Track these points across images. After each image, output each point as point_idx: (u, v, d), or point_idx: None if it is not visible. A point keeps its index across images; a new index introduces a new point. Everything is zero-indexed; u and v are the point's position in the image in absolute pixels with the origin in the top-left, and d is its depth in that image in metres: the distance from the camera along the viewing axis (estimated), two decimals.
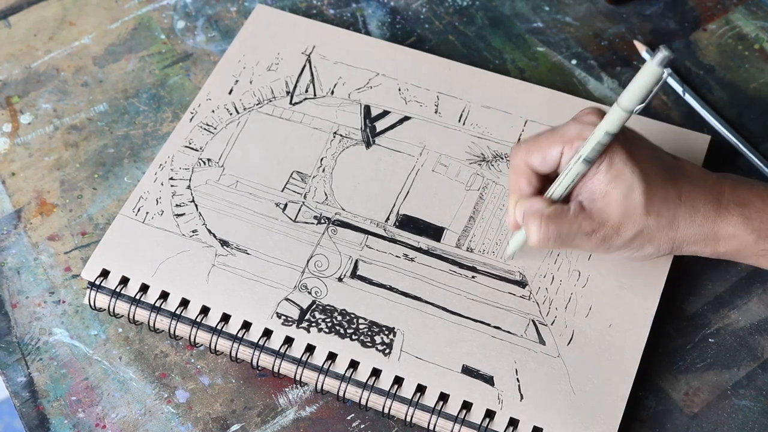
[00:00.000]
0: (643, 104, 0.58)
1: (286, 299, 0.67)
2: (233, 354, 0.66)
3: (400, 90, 0.77)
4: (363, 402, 0.65)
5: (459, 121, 0.75)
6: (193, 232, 0.70)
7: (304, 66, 0.78)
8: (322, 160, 0.74)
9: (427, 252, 0.70)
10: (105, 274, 0.68)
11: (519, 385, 0.64)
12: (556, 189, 0.63)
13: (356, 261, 0.69)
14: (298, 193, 0.72)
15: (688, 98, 0.79)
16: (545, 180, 0.65)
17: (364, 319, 0.66)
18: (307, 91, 0.77)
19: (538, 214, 0.62)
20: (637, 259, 0.66)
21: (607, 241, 0.63)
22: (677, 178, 0.63)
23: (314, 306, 0.67)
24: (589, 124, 0.62)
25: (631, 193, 0.61)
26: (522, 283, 0.68)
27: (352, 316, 0.67)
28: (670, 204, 0.62)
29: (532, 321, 0.67)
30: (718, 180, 0.65)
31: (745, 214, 0.63)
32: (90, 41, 0.83)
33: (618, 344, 0.66)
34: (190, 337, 0.67)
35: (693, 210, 0.63)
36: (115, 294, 0.68)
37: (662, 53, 0.56)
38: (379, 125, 0.75)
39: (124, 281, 0.68)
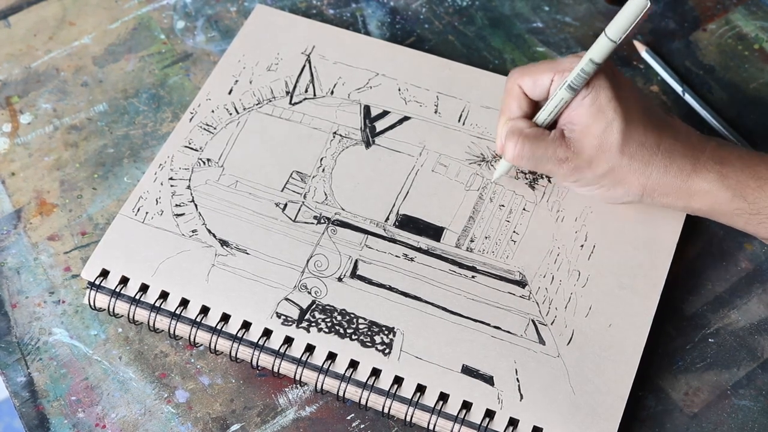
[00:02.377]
0: (625, 33, 0.61)
1: (286, 299, 0.67)
2: (233, 354, 0.66)
3: (399, 90, 0.77)
4: (363, 402, 0.65)
5: (459, 121, 0.75)
6: (192, 232, 0.70)
7: (304, 66, 0.78)
8: (321, 160, 0.74)
9: (426, 252, 0.70)
10: (105, 274, 0.68)
11: (519, 385, 0.64)
12: (542, 114, 0.66)
13: (356, 261, 0.69)
14: (297, 193, 0.72)
15: (688, 98, 0.79)
16: (535, 107, 0.67)
17: (364, 318, 0.66)
18: (306, 91, 0.77)
19: (518, 132, 0.65)
20: (607, 200, 0.67)
21: (578, 172, 0.65)
22: (661, 128, 0.65)
23: (314, 306, 0.67)
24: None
25: (609, 129, 0.63)
26: (522, 283, 0.68)
27: (352, 315, 0.67)
28: (647, 150, 0.64)
29: (532, 321, 0.67)
30: (702, 139, 0.66)
31: (722, 172, 0.64)
32: (90, 41, 0.83)
33: (618, 344, 0.66)
34: (189, 337, 0.67)
35: (669, 160, 0.64)
36: (115, 294, 0.68)
37: None
38: (379, 125, 0.75)
39: (124, 281, 0.68)
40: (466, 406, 0.64)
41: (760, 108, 0.79)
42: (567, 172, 0.65)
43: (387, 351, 0.65)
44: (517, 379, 0.64)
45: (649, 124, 0.64)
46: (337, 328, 0.66)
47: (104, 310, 0.69)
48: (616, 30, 0.61)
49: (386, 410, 0.64)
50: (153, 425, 0.66)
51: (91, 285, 0.68)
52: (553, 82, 0.65)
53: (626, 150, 0.64)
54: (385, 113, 0.76)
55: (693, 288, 0.70)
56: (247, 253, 0.69)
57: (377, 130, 0.75)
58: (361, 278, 0.68)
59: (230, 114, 0.76)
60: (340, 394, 0.65)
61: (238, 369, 0.68)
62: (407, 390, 0.64)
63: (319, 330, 0.66)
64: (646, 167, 0.64)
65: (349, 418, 0.66)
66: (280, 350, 0.65)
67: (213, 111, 0.76)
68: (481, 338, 0.66)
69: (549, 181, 0.72)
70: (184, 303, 0.67)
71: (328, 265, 0.69)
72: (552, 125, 0.67)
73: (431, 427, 0.64)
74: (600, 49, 0.62)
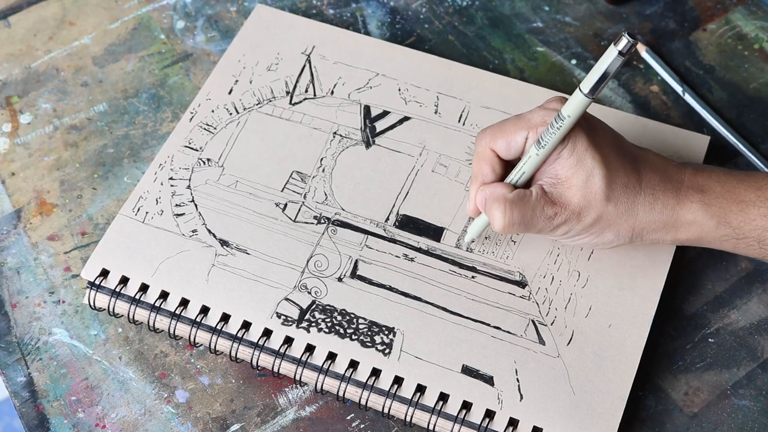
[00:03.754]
0: (600, 89, 0.59)
1: (286, 299, 0.67)
2: (233, 354, 0.66)
3: (399, 90, 0.77)
4: (363, 402, 0.65)
5: (459, 121, 0.75)
6: (192, 231, 0.70)
7: (304, 66, 0.78)
8: (321, 160, 0.74)
9: (426, 252, 0.70)
10: (105, 273, 0.68)
11: (519, 385, 0.64)
12: (518, 174, 0.64)
13: (356, 261, 0.69)
14: (297, 193, 0.72)
15: (688, 98, 0.79)
16: (508, 167, 0.66)
17: (364, 319, 0.66)
18: (306, 91, 0.77)
19: (501, 199, 0.63)
20: (598, 246, 0.66)
21: (567, 225, 0.63)
22: (638, 165, 0.64)
23: (314, 306, 0.67)
24: (554, 111, 0.63)
25: (591, 179, 0.62)
26: (522, 283, 0.68)
27: (352, 316, 0.67)
28: (630, 191, 0.63)
29: (532, 321, 0.67)
30: (679, 168, 0.65)
31: (705, 201, 0.63)
32: (90, 41, 0.83)
33: (618, 344, 0.66)
34: (189, 337, 0.67)
35: (653, 197, 0.63)
36: (115, 294, 0.68)
37: (624, 40, 0.57)
38: (379, 125, 0.75)
39: (124, 281, 0.68)
40: (466, 406, 0.64)
41: (760, 108, 0.78)
42: (556, 226, 0.63)
43: (387, 351, 0.65)
44: (517, 379, 0.64)
45: (628, 164, 0.63)
46: (337, 328, 0.66)
47: (104, 310, 0.69)
48: (588, 84, 0.59)
49: (386, 410, 0.64)
50: (153, 425, 0.66)
51: (91, 285, 0.68)
52: (528, 139, 0.63)
53: (611, 195, 0.62)
54: (385, 113, 0.76)
55: (693, 288, 0.70)
56: (248, 253, 0.69)
57: (377, 130, 0.75)
58: (361, 278, 0.68)
59: (230, 114, 0.76)
60: (340, 394, 0.65)
61: (238, 369, 0.68)
62: (407, 390, 0.64)
63: (319, 330, 0.66)
64: (631, 208, 0.63)
65: (349, 418, 0.66)
66: (280, 350, 0.65)
67: (213, 111, 0.76)
68: (481, 338, 0.66)
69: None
70: (184, 303, 0.67)
71: (328, 265, 0.69)
72: (526, 184, 0.65)
73: (431, 427, 0.64)
74: (572, 103, 0.60)
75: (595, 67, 0.58)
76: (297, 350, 0.66)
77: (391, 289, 0.68)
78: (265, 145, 0.74)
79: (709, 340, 0.68)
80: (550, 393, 0.64)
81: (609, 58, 0.57)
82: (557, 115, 0.61)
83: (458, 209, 0.71)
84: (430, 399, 0.64)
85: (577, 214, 0.63)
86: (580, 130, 0.62)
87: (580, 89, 0.59)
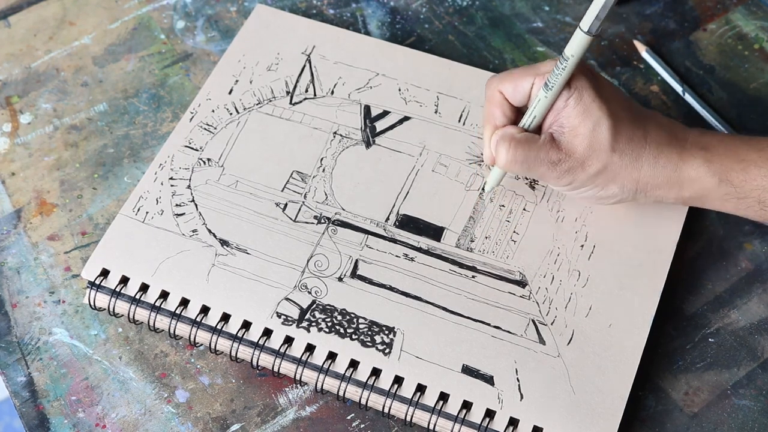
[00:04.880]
0: (599, 25, 0.60)
1: (286, 299, 0.67)
2: (233, 354, 0.66)
3: (400, 90, 0.77)
4: (363, 402, 0.65)
5: (459, 121, 0.75)
6: (193, 231, 0.70)
7: (304, 66, 0.78)
8: (322, 160, 0.74)
9: (427, 252, 0.70)
10: (105, 273, 0.68)
11: (519, 385, 0.64)
12: (529, 118, 0.66)
13: (356, 261, 0.69)
14: (298, 192, 0.72)
15: (688, 98, 0.79)
16: (518, 113, 0.67)
17: (364, 318, 0.66)
18: (307, 91, 0.77)
19: (508, 138, 0.65)
20: (603, 200, 0.67)
21: (571, 174, 0.65)
22: (645, 121, 0.66)
23: (314, 306, 0.67)
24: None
25: (598, 128, 0.64)
26: (522, 283, 0.68)
27: (352, 315, 0.67)
28: (635, 143, 0.64)
29: (532, 321, 0.67)
30: (685, 128, 0.67)
31: (707, 158, 0.65)
32: (90, 41, 0.83)
33: (618, 344, 0.66)
34: (190, 337, 0.67)
35: (657, 151, 0.65)
36: (115, 294, 0.68)
37: None
38: (379, 125, 0.75)
39: (124, 281, 0.68)
40: (466, 405, 0.64)
41: (760, 108, 0.79)
42: (560, 174, 0.65)
43: (387, 351, 0.65)
44: (517, 379, 0.64)
45: (634, 119, 0.65)
46: (337, 327, 0.66)
47: (104, 309, 0.69)
48: (586, 22, 0.61)
49: (386, 410, 0.64)
50: (153, 425, 0.66)
51: (91, 285, 0.68)
52: (534, 86, 0.65)
53: (616, 146, 0.64)
54: (385, 113, 0.76)
55: (693, 288, 0.70)
56: (248, 253, 0.69)
57: (377, 130, 0.75)
58: (362, 278, 0.68)
59: (230, 114, 0.76)
60: (340, 394, 0.65)
61: (238, 369, 0.68)
62: (407, 390, 0.64)
63: (320, 330, 0.66)
64: (636, 161, 0.64)
65: (349, 417, 0.66)
66: (280, 350, 0.65)
67: (213, 111, 0.76)
68: (482, 338, 0.66)
69: None
70: (184, 303, 0.67)
71: (328, 265, 0.69)
72: (537, 131, 0.67)
73: (431, 427, 0.64)
74: (574, 42, 0.62)
75: (592, 5, 0.60)
76: (297, 350, 0.66)
77: (391, 288, 0.68)
78: (266, 145, 0.74)
79: (710, 340, 0.68)
80: (551, 393, 0.64)
81: None
82: (561, 56, 0.62)
83: (458, 209, 0.71)
84: (430, 399, 0.64)
85: (582, 162, 0.64)
86: (587, 82, 0.64)
87: (580, 28, 0.61)
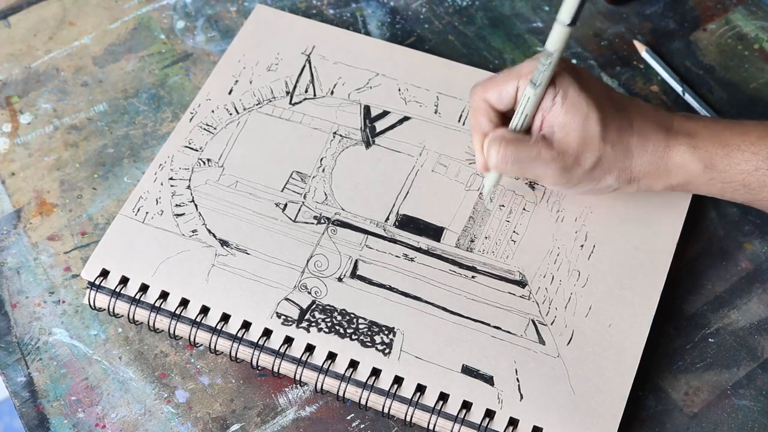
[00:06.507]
0: (577, 16, 0.60)
1: (286, 299, 0.67)
2: (233, 354, 0.66)
3: (399, 90, 0.77)
4: (363, 402, 0.65)
5: (459, 121, 0.75)
6: (192, 232, 0.70)
7: (304, 66, 0.78)
8: (321, 160, 0.74)
9: (427, 252, 0.70)
10: (105, 274, 0.68)
11: (519, 385, 0.64)
12: (520, 118, 0.66)
13: (356, 261, 0.69)
14: (297, 193, 0.72)
15: (688, 98, 0.79)
16: (505, 119, 0.67)
17: (364, 318, 0.66)
18: (306, 91, 0.77)
19: (498, 138, 0.65)
20: (602, 192, 0.68)
21: (568, 171, 0.65)
22: (628, 111, 0.66)
23: (314, 306, 0.67)
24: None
25: (587, 121, 0.64)
26: (522, 283, 0.68)
27: (352, 315, 0.67)
28: (624, 133, 0.65)
29: (532, 321, 0.67)
30: (668, 114, 0.67)
31: (692, 144, 0.65)
32: (90, 41, 0.83)
33: (618, 344, 0.66)
34: (189, 337, 0.67)
35: (644, 138, 0.65)
36: (115, 294, 0.68)
37: None
38: (379, 125, 0.75)
39: (124, 281, 0.68)
40: (466, 406, 0.64)
41: (760, 108, 0.78)
42: (557, 172, 0.65)
43: (387, 351, 0.65)
44: (517, 379, 0.64)
45: (617, 107, 0.66)
46: (337, 328, 0.66)
47: (104, 310, 0.69)
48: (564, 15, 0.60)
49: (386, 410, 0.64)
50: (153, 425, 0.66)
51: (91, 285, 0.68)
52: (519, 88, 0.65)
53: (607, 137, 0.64)
54: (385, 113, 0.76)
55: (693, 288, 0.70)
56: (248, 253, 0.69)
57: (377, 130, 0.75)
58: (361, 278, 0.68)
59: (230, 114, 0.76)
60: (340, 394, 0.65)
61: (238, 369, 0.68)
62: (407, 390, 0.64)
63: (319, 330, 0.66)
64: (627, 150, 0.65)
65: (349, 418, 0.66)
66: (280, 350, 0.65)
67: (213, 111, 0.76)
68: (481, 338, 0.66)
69: None
70: (184, 303, 0.67)
71: (328, 265, 0.69)
72: (527, 134, 0.66)
73: (431, 427, 0.64)
74: (554, 36, 0.61)
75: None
76: (297, 350, 0.66)
77: (391, 289, 0.68)
78: (265, 145, 0.74)
79: (709, 340, 0.68)
80: (550, 393, 0.64)
81: None
82: (543, 53, 0.62)
83: (458, 209, 0.71)
84: (430, 399, 0.64)
85: (576, 158, 0.64)
86: (570, 78, 0.64)
87: (558, 20, 0.60)
